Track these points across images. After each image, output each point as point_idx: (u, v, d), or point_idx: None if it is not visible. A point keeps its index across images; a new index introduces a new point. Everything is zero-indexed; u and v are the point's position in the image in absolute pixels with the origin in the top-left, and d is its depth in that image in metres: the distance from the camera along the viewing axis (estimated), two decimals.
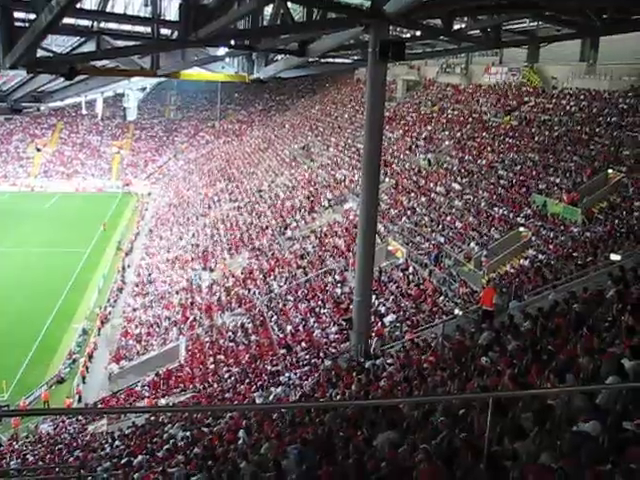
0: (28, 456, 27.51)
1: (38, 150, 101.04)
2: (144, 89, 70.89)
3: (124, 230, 73.44)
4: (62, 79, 30.04)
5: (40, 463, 24.82)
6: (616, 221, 26.96)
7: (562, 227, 29.66)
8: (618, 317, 11.68)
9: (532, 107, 47.47)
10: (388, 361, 21.23)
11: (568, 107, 42.72)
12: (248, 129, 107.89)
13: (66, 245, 61.89)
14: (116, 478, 19.00)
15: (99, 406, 33.58)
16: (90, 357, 41.27)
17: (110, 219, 76.96)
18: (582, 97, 42.82)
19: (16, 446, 31.12)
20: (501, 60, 57.43)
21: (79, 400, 36.17)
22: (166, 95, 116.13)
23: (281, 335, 33.78)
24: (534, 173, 36.26)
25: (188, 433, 22.26)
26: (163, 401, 30.99)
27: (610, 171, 31.62)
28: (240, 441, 17.12)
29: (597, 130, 36.71)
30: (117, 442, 25.65)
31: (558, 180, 33.85)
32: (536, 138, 40.75)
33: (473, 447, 7.58)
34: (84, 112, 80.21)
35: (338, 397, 18.50)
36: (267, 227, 54.32)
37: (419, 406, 12.44)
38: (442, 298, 29.42)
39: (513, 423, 8.51)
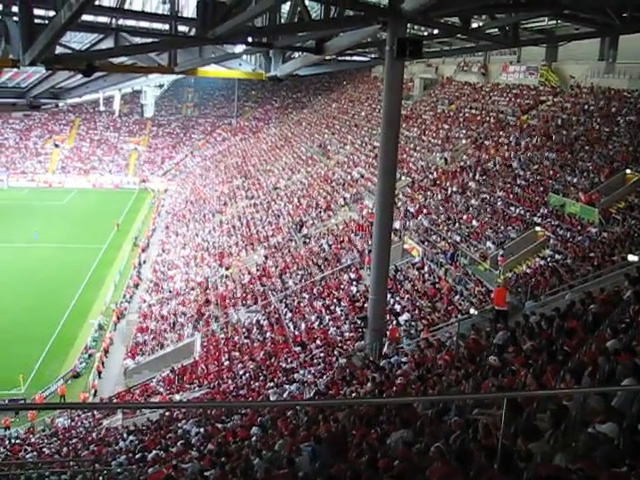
0: (44, 449, 27.73)
1: (56, 146, 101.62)
2: (161, 86, 71.28)
3: (140, 226, 73.72)
4: (80, 76, 30.18)
5: (56, 456, 24.99)
6: (633, 222, 26.73)
7: (579, 227, 29.46)
8: (635, 318, 11.58)
9: (550, 106, 47.23)
10: (402, 360, 21.21)
11: (586, 106, 42.43)
12: (265, 126, 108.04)
13: (83, 241, 62.25)
14: (130, 473, 19.11)
15: (114, 401, 33.73)
16: (106, 352, 41.51)
17: (126, 215, 77.29)
18: (600, 96, 42.52)
19: (32, 439, 31.39)
20: (519, 59, 57.11)
21: (94, 395, 36.38)
22: (183, 92, 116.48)
23: (296, 332, 33.81)
24: (551, 172, 36.05)
25: (202, 429, 22.33)
26: (178, 397, 31.10)
27: (628, 171, 31.37)
28: (254, 438, 17.15)
29: (615, 130, 36.43)
30: (131, 437, 25.77)
31: (575, 180, 33.63)
32: (553, 137, 40.50)
33: (486, 447, 7.55)
34: (102, 109, 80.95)
35: (353, 395, 18.51)
36: (283, 224, 54.37)
37: (433, 405, 12.42)
38: (458, 297, 29.33)
39: (528, 423, 8.47)
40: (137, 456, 21.56)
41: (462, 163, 45.87)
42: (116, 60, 30.05)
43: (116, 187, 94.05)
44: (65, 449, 26.59)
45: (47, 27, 17.87)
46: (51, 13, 18.68)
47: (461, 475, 7.04)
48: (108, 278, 54.58)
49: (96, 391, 36.89)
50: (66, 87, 39.34)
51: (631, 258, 20.57)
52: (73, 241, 61.87)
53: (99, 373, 39.01)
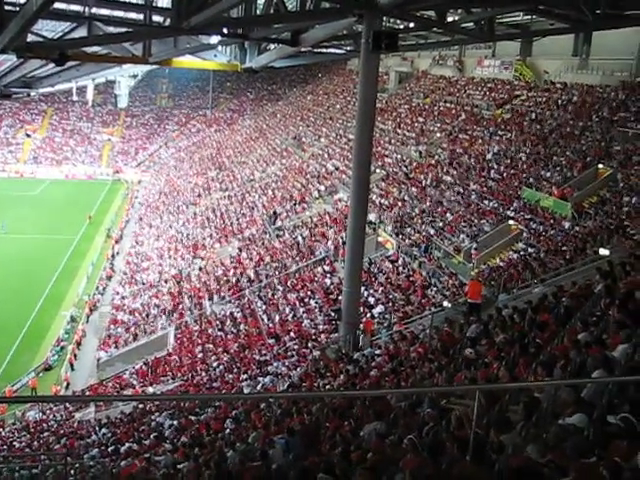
0: (15, 443, 27.48)
1: (28, 136, 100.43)
2: (135, 76, 70.86)
3: (114, 218, 73.19)
4: (53, 65, 29.85)
5: (27, 450, 24.78)
6: (605, 216, 27.02)
7: (552, 221, 29.71)
8: (606, 311, 11.72)
9: (524, 101, 47.54)
10: (376, 352, 21.28)
11: (560, 101, 42.76)
12: (240, 118, 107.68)
13: (55, 232, 61.58)
14: (103, 466, 19.00)
15: (87, 394, 33.50)
16: (78, 345, 41.18)
17: (99, 207, 76.65)
18: (574, 92, 42.85)
19: (2, 433, 31.07)
20: (494, 53, 57.38)
21: (67, 387, 36.07)
22: (158, 83, 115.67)
23: (270, 325, 33.80)
24: (525, 167, 36.31)
25: (175, 422, 22.28)
26: (151, 389, 30.97)
27: (600, 166, 31.69)
28: (227, 430, 17.15)
29: (588, 125, 36.76)
30: (104, 430, 25.63)
31: (549, 174, 33.91)
32: (527, 132, 40.80)
33: (459, 439, 7.60)
34: (75, 98, 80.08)
35: (327, 387, 18.56)
36: (257, 217, 54.26)
37: (406, 397, 12.48)
38: (431, 290, 29.48)
39: (500, 415, 8.54)
40: (110, 449, 21.46)
41: (437, 156, 46.04)
42: (89, 49, 29.79)
43: (89, 178, 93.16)
44: (36, 443, 26.38)
45: (18, 14, 17.66)
46: (22, 0, 18.45)
47: (433, 466, 7.08)
48: (81, 270, 54.10)
49: (68, 384, 36.58)
50: (38, 76, 38.82)
51: (602, 252, 20.78)
52: (45, 232, 61.18)
53: (71, 365, 38.68)
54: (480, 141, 43.99)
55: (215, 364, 31.37)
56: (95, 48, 29.87)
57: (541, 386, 9.33)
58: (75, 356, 39.78)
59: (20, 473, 17.83)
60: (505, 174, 36.87)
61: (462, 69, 63.10)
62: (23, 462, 19.59)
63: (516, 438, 7.44)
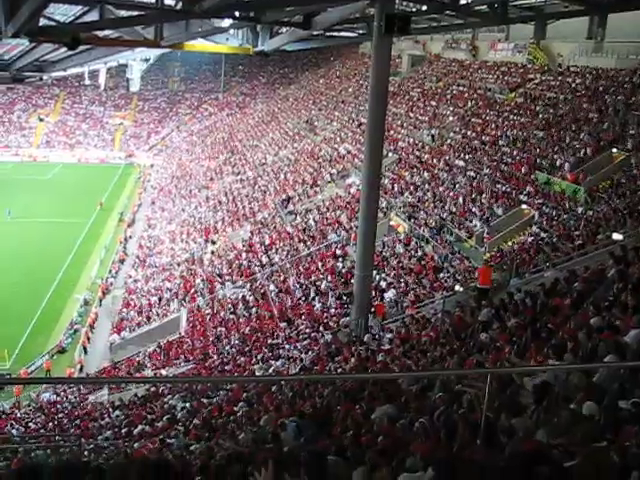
0: (30, 424, 27.76)
1: (41, 120, 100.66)
2: (147, 60, 70.71)
3: (126, 201, 73.39)
4: (65, 49, 29.87)
5: (42, 431, 25.03)
6: (618, 200, 26.84)
7: (565, 205, 29.56)
8: (618, 296, 11.69)
9: (537, 84, 47.18)
10: (388, 336, 21.33)
11: (574, 85, 42.41)
12: (252, 102, 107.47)
13: (68, 216, 61.85)
14: (116, 447, 19.17)
15: (100, 376, 33.77)
16: (91, 327, 41.47)
17: (112, 191, 76.85)
18: (588, 75, 42.48)
19: (18, 414, 31.40)
20: (507, 36, 56.94)
21: (80, 370, 36.38)
22: (170, 66, 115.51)
23: (282, 308, 33.86)
24: (538, 151, 36.10)
25: (188, 404, 22.41)
26: (164, 372, 31.15)
27: (614, 150, 31.45)
28: (239, 413, 17.23)
29: (602, 108, 36.45)
30: (117, 412, 25.84)
31: (562, 158, 33.70)
32: (540, 115, 40.51)
33: (470, 423, 7.62)
34: (87, 82, 80.00)
35: (339, 371, 18.62)
36: (269, 200, 54.26)
37: (418, 381, 12.52)
38: (443, 274, 29.43)
39: (511, 399, 8.56)
40: (123, 431, 21.64)
41: (449, 140, 45.84)
42: (101, 33, 29.76)
43: (102, 162, 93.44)
44: (51, 424, 26.64)
45: None
46: None
47: (445, 450, 7.10)
48: (94, 253, 54.40)
49: (82, 366, 36.88)
50: (50, 60, 38.92)
51: (616, 237, 20.68)
52: (58, 216, 61.47)
53: (85, 348, 38.97)
54: (493, 125, 43.73)
55: (227, 347, 31.51)
56: (107, 32, 29.84)
57: (552, 370, 9.34)
58: (88, 339, 40.09)
59: (36, 453, 18.02)
60: (518, 158, 36.67)
61: (475, 52, 62.65)
62: (38, 442, 19.78)
63: (527, 422, 7.46)
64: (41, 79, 54.03)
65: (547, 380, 8.66)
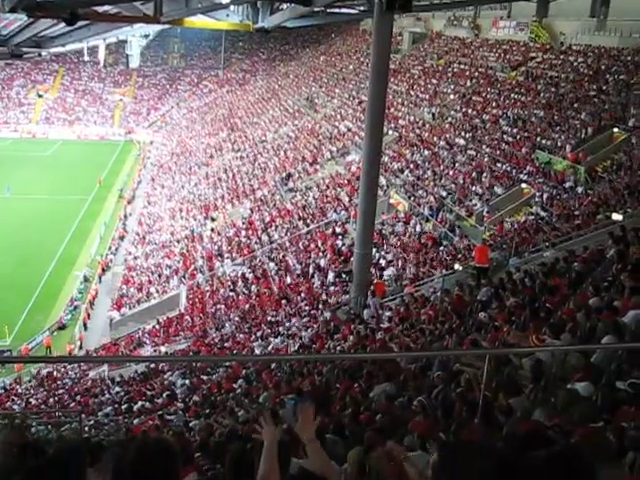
0: (31, 400, 27.92)
1: (40, 96, 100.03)
2: (147, 36, 70.26)
3: (126, 178, 73.24)
4: (63, 24, 29.68)
5: (42, 407, 25.17)
6: (618, 180, 26.80)
7: (565, 185, 29.53)
8: (617, 277, 11.71)
9: (539, 63, 46.94)
10: (387, 314, 21.40)
11: (575, 64, 42.19)
12: (252, 79, 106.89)
13: (67, 192, 61.72)
14: (116, 423, 19.31)
15: (100, 353, 33.91)
16: (91, 304, 41.57)
17: (112, 167, 76.64)
18: (590, 54, 42.26)
19: (19, 390, 31.57)
20: (509, 14, 56.60)
21: (80, 346, 36.51)
22: (169, 42, 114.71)
23: (281, 286, 33.94)
24: (539, 130, 36.01)
25: (187, 381, 22.55)
26: (163, 349, 31.28)
27: (615, 130, 31.37)
28: (238, 390, 17.34)
29: (604, 88, 36.28)
30: (117, 388, 25.99)
31: (562, 137, 33.62)
32: (542, 94, 40.35)
33: (468, 402, 7.68)
34: (86, 58, 79.46)
35: (338, 348, 18.69)
36: (269, 178, 54.18)
37: (416, 359, 12.58)
38: (442, 253, 29.46)
39: (509, 379, 8.61)
40: (123, 407, 21.79)
41: (450, 119, 45.70)
42: (100, 9, 29.56)
43: (101, 138, 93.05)
44: (51, 400, 26.80)
45: None
46: None
47: (442, 428, 7.16)
48: (93, 230, 54.34)
49: (82, 343, 37.02)
50: (49, 36, 38.64)
51: (615, 217, 20.67)
52: (58, 193, 61.31)
53: (85, 325, 39.10)
54: (494, 103, 43.57)
55: (227, 324, 31.62)
56: (106, 7, 29.64)
57: (550, 351, 9.38)
58: (88, 315, 40.20)
59: (37, 429, 18.15)
60: (518, 137, 36.59)
61: (477, 30, 62.25)
62: (39, 418, 19.91)
63: (525, 402, 7.51)
64: (40, 55, 53.73)
65: (540, 358, 8.71)
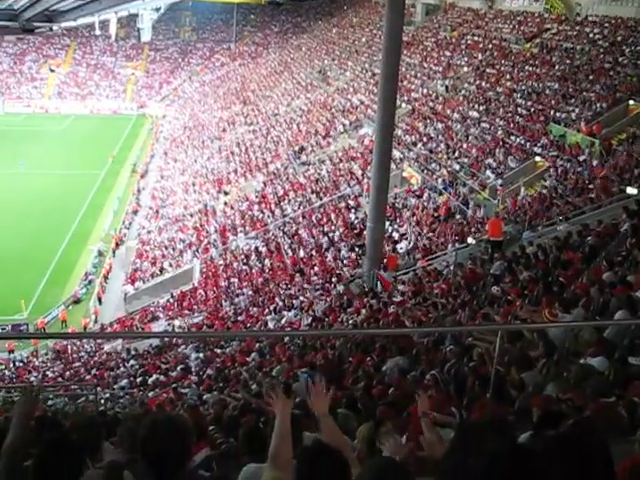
0: (48, 372, 28.23)
1: (52, 71, 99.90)
2: (158, 9, 70.01)
3: (139, 153, 73.26)
4: None
5: (59, 379, 25.44)
6: (634, 154, 26.53)
7: (579, 158, 29.28)
8: (631, 251, 11.66)
9: (554, 34, 46.35)
10: (399, 287, 21.43)
11: (591, 35, 41.65)
12: (264, 52, 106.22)
13: (81, 167, 61.80)
14: (131, 396, 19.51)
15: (115, 327, 34.18)
16: (106, 278, 41.83)
17: (124, 142, 76.64)
18: (606, 25, 41.67)
19: (36, 362, 31.94)
20: None
21: (95, 320, 36.81)
22: (181, 16, 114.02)
23: (294, 260, 34.01)
24: (553, 102, 35.68)
25: (201, 354, 22.70)
26: (177, 322, 31.49)
27: (631, 102, 31.03)
28: (252, 363, 17.44)
29: (620, 60, 35.82)
30: (132, 361, 26.21)
31: (577, 110, 33.31)
32: (557, 67, 39.91)
33: (480, 376, 7.70)
34: (98, 33, 78.95)
35: (350, 321, 18.76)
36: (282, 151, 54.09)
37: (429, 334, 12.61)
38: (456, 226, 29.39)
39: (521, 353, 8.62)
40: (138, 380, 21.99)
41: (463, 91, 45.36)
42: None
43: (114, 113, 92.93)
44: (68, 373, 27.09)
45: None
46: None
47: (455, 403, 7.19)
48: (107, 205, 54.51)
49: (97, 317, 37.31)
50: (60, 10, 38.56)
51: (630, 191, 20.52)
52: (71, 167, 61.41)
53: (99, 299, 39.37)
54: (508, 76, 43.16)
55: (240, 298, 31.75)
56: None
57: (563, 326, 9.38)
58: (103, 290, 40.47)
59: (54, 401, 18.38)
60: (532, 109, 36.28)
61: (491, 1, 61.46)
62: (56, 391, 20.15)
63: (537, 376, 7.52)
64: (51, 29, 53.64)
65: (550, 333, 8.71)
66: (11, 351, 33.85)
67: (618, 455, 4.19)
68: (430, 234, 29.19)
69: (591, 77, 35.89)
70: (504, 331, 8.12)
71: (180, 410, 12.37)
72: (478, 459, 1.86)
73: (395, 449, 3.97)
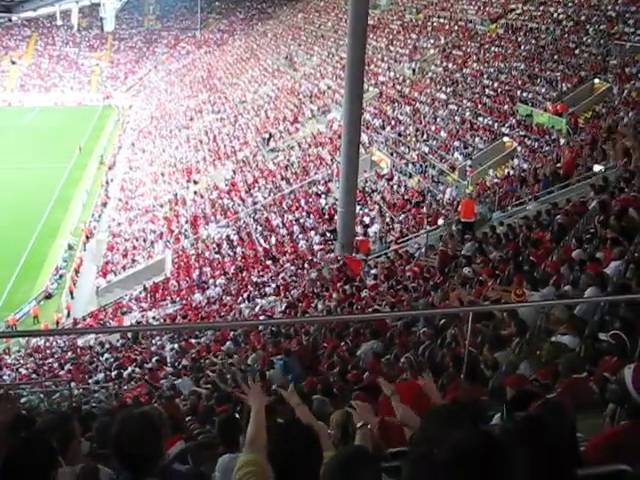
0: (21, 369, 27.94)
1: (13, 63, 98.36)
2: None
3: (106, 144, 72.53)
4: None
5: (33, 376, 25.20)
6: (599, 131, 26.75)
7: (547, 137, 29.52)
8: (600, 229, 11.77)
9: (519, 15, 46.49)
10: (372, 271, 21.48)
11: (556, 15, 41.83)
12: (230, 38, 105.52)
13: (47, 160, 61.01)
14: (107, 390, 19.39)
15: (87, 320, 33.93)
16: (77, 272, 41.44)
17: (91, 133, 75.79)
18: (570, 4, 41.87)
19: (9, 360, 31.59)
20: None
21: (68, 315, 36.49)
22: (144, 4, 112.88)
23: (266, 246, 33.96)
24: (519, 83, 35.88)
25: (176, 345, 22.60)
26: (150, 314, 31.31)
27: (597, 81, 31.31)
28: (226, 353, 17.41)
29: (584, 39, 36.07)
30: (107, 355, 26.03)
31: (543, 90, 33.53)
32: (522, 47, 40.09)
33: (454, 357, 7.75)
34: (59, 23, 77.96)
35: (321, 307, 18.76)
36: (250, 138, 53.89)
37: (402, 316, 12.65)
38: (426, 209, 29.51)
39: (494, 333, 8.69)
40: (114, 373, 21.85)
41: (430, 73, 45.45)
42: None
43: (79, 104, 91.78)
44: (41, 369, 26.85)
45: None
46: None
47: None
48: (75, 198, 53.93)
49: (69, 311, 36.99)
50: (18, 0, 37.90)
51: (597, 168, 20.69)
52: (37, 161, 60.57)
53: (71, 293, 39.02)
54: (474, 57, 43.31)
55: (213, 287, 31.66)
56: None
57: (532, 306, 9.46)
58: (74, 284, 40.10)
59: (28, 398, 18.20)
60: (499, 90, 36.46)
61: None
62: (30, 388, 19.96)
63: (510, 356, 7.59)
64: (10, 20, 52.71)
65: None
66: None
67: (589, 429, 4.26)
68: (401, 217, 29.28)
69: (556, 57, 36.11)
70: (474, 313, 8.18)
71: (156, 403, 12.31)
72: (443, 449, 1.86)
73: (363, 413, 4.01)
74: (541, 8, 44.46)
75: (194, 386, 14.05)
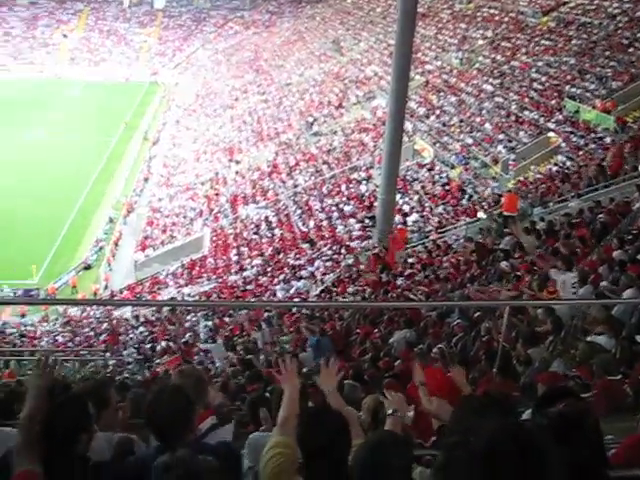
0: (58, 337, 28.45)
1: (65, 36, 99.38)
2: None
3: (151, 120, 73.07)
4: None
5: (69, 345, 25.65)
6: None
7: (592, 135, 29.06)
8: None
9: (572, 8, 45.71)
10: (409, 260, 21.43)
11: (610, 9, 41.05)
12: (278, 20, 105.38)
13: (92, 134, 61.69)
14: (140, 362, 19.68)
15: (124, 293, 34.36)
16: (116, 245, 41.98)
17: (137, 109, 76.36)
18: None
19: (47, 327, 32.16)
20: None
21: (105, 287, 37.00)
22: None
23: (304, 230, 34.01)
24: (568, 78, 35.35)
25: (210, 322, 22.81)
26: (186, 290, 31.60)
27: None
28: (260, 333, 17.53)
29: (638, 36, 35.36)
30: (142, 328, 26.37)
31: (593, 86, 32.99)
32: (573, 41, 39.46)
33: (488, 351, 7.73)
34: None
35: (358, 294, 18.78)
36: (294, 121, 53.90)
37: (437, 307, 12.63)
38: (467, 200, 29.32)
39: (529, 329, 8.64)
40: (147, 347, 22.17)
41: (478, 64, 44.98)
42: None
43: (126, 80, 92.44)
44: (77, 338, 27.32)
45: None
46: None
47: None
48: (118, 172, 54.53)
49: (107, 283, 37.50)
50: None
51: None
52: (82, 134, 61.35)
53: (109, 265, 39.55)
54: (524, 50, 42.72)
55: (250, 267, 31.81)
56: None
57: (571, 305, 9.38)
58: (113, 256, 40.64)
59: (64, 365, 18.55)
60: (547, 85, 35.96)
61: None
62: (66, 355, 20.32)
63: (544, 353, 7.55)
64: None
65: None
66: (23, 315, 34.08)
67: (622, 432, 4.24)
68: (440, 208, 29.14)
69: (608, 53, 35.47)
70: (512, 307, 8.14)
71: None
72: (479, 439, 1.87)
73: (397, 403, 4.02)
74: (595, 2, 43.64)
75: (226, 352, 14.17)
